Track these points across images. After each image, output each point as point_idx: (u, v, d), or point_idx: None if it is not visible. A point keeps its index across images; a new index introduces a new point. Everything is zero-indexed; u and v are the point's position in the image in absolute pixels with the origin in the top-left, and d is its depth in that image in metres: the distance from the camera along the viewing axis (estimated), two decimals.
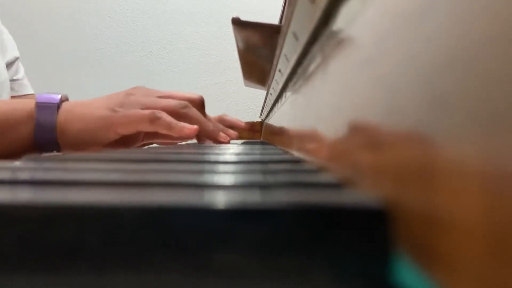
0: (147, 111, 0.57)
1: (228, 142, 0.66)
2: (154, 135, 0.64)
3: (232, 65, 1.57)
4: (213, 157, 0.32)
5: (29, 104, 0.57)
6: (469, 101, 0.08)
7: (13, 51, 0.88)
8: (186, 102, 0.61)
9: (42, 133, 0.56)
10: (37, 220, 0.11)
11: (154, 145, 0.77)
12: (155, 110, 0.57)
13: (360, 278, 0.11)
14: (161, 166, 0.25)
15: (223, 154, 0.36)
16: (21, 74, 0.89)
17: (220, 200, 0.12)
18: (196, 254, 0.11)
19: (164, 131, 0.58)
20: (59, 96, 0.58)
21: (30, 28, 1.65)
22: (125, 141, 0.61)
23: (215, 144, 0.64)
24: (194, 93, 0.65)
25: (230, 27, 0.64)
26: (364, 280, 0.11)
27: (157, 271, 0.11)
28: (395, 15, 0.13)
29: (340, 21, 0.21)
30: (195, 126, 0.58)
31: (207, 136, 0.64)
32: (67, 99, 0.60)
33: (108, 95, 0.61)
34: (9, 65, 0.85)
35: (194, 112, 0.61)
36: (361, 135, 0.15)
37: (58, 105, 0.57)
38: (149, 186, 0.16)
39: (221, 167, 0.24)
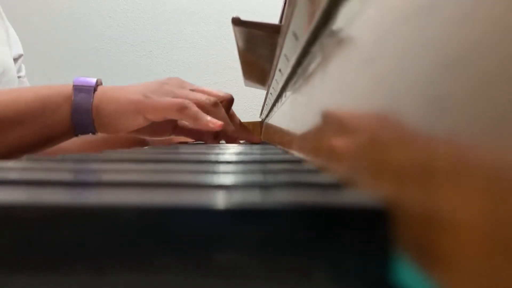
0: (177, 100, 0.58)
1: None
2: (182, 130, 0.65)
3: (232, 65, 1.57)
4: (213, 157, 0.32)
5: (66, 88, 0.58)
6: (469, 101, 0.08)
7: (17, 48, 0.88)
8: (216, 100, 0.62)
9: (79, 115, 0.57)
10: (37, 220, 0.11)
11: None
12: (185, 100, 0.58)
13: (360, 278, 0.11)
14: (161, 166, 0.25)
15: (223, 154, 0.36)
16: (23, 72, 0.90)
17: (220, 200, 0.12)
18: (196, 254, 0.11)
19: (190, 121, 0.60)
20: (95, 79, 0.59)
21: (30, 27, 1.65)
22: (155, 130, 0.62)
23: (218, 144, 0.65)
24: (225, 92, 0.66)
25: (230, 27, 0.64)
26: (364, 280, 0.11)
27: (157, 271, 0.11)
28: (395, 15, 0.13)
29: (340, 21, 0.21)
30: (220, 122, 0.59)
31: (225, 138, 0.66)
32: (101, 83, 0.61)
33: (143, 82, 0.63)
34: (14, 61, 0.85)
35: (221, 111, 0.63)
36: (361, 135, 0.15)
37: (94, 88, 0.58)
38: (149, 186, 0.16)
39: (221, 167, 0.24)
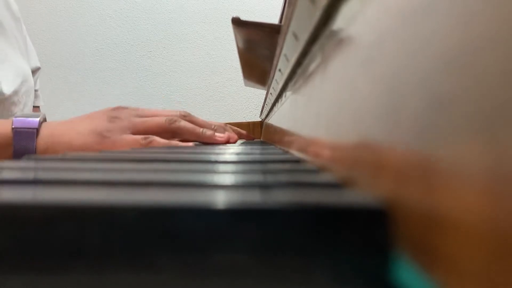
0: (138, 138, 0.55)
1: (226, 142, 0.66)
2: None
3: (232, 65, 1.57)
4: (213, 157, 0.32)
5: (6, 127, 0.53)
6: (469, 101, 0.08)
7: (35, 60, 0.87)
8: (173, 117, 0.60)
9: None
10: (37, 220, 0.11)
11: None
12: (147, 136, 0.55)
13: (360, 278, 0.11)
14: (161, 166, 0.25)
15: (223, 154, 0.36)
16: (38, 85, 0.89)
17: (220, 200, 0.12)
18: (196, 254, 0.11)
19: None
20: (38, 119, 0.54)
21: (30, 27, 1.65)
22: None
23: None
24: (177, 110, 0.64)
25: (230, 27, 0.64)
26: (364, 280, 0.11)
27: (157, 271, 0.11)
28: (395, 15, 0.13)
29: (340, 21, 0.21)
30: (190, 144, 0.57)
31: (206, 141, 0.65)
32: (45, 120, 0.56)
33: (89, 116, 0.58)
34: (32, 73, 0.84)
35: (184, 123, 0.61)
36: (361, 134, 0.15)
37: (37, 130, 0.53)
38: (149, 186, 0.16)
39: (221, 167, 0.24)
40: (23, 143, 0.52)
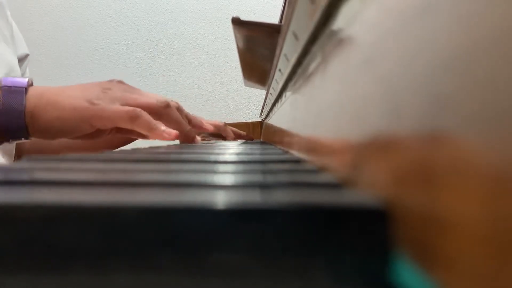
0: (127, 108, 0.55)
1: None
2: (125, 131, 0.61)
3: (232, 65, 1.57)
4: (213, 157, 0.32)
5: None
6: (469, 101, 0.08)
7: (22, 47, 0.86)
8: (167, 101, 0.60)
9: (10, 118, 0.52)
10: (37, 220, 0.11)
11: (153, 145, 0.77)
12: (136, 108, 0.55)
13: (360, 278, 0.11)
14: (161, 166, 0.25)
15: (223, 154, 0.36)
16: (27, 73, 0.88)
17: (220, 200, 0.12)
18: (196, 254, 0.11)
19: (142, 131, 0.56)
20: (26, 79, 0.54)
21: (30, 27, 1.65)
22: (96, 134, 0.58)
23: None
24: (170, 99, 0.63)
25: (230, 27, 0.64)
26: (364, 280, 0.11)
27: (157, 271, 0.11)
28: (395, 15, 0.13)
29: (340, 21, 0.21)
30: (174, 132, 0.57)
31: (184, 138, 0.64)
32: (32, 84, 0.56)
33: (82, 84, 0.58)
34: (19, 61, 0.83)
35: (174, 112, 0.60)
36: (361, 134, 0.15)
37: (26, 89, 0.53)
38: (149, 186, 0.16)
39: (221, 167, 0.24)
40: (11, 100, 0.52)
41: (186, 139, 0.63)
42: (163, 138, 0.56)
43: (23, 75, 0.84)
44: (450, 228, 0.08)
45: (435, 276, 0.09)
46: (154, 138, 0.57)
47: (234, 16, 0.62)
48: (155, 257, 0.11)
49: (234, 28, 0.64)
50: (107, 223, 0.11)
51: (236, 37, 0.68)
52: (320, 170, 0.21)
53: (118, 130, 0.60)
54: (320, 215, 0.11)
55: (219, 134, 0.89)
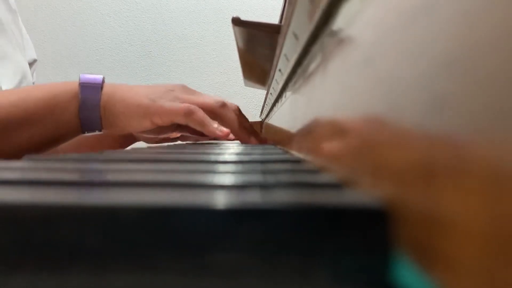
0: (183, 105, 0.59)
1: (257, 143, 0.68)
2: (184, 128, 0.65)
3: (232, 65, 1.57)
4: (213, 157, 0.32)
5: (73, 85, 0.58)
6: (469, 101, 0.08)
7: (31, 52, 0.87)
8: (223, 101, 0.63)
9: (87, 112, 0.57)
10: (37, 220, 0.11)
11: (153, 144, 0.77)
12: (192, 105, 0.59)
13: (360, 278, 0.11)
14: (161, 166, 0.25)
15: (223, 154, 0.36)
16: (35, 78, 0.88)
17: (221, 200, 0.12)
18: (196, 254, 0.11)
19: (196, 127, 0.60)
20: (101, 77, 0.59)
21: (30, 27, 1.65)
22: (160, 130, 0.63)
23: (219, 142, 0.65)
24: (231, 102, 0.67)
25: (230, 27, 0.64)
26: (364, 280, 0.11)
27: (157, 271, 0.11)
28: (395, 15, 0.13)
29: (340, 21, 0.21)
30: (227, 130, 0.60)
31: (237, 138, 0.66)
32: (104, 81, 0.62)
33: (149, 85, 0.64)
34: (29, 65, 0.83)
35: (230, 113, 0.63)
36: (361, 134, 0.15)
37: (101, 85, 0.59)
38: (149, 186, 0.16)
39: (221, 167, 0.24)
40: (89, 96, 0.57)
41: (239, 138, 0.66)
42: (215, 135, 0.60)
43: (32, 78, 0.84)
44: (450, 228, 0.08)
45: (435, 276, 0.09)
46: (208, 134, 0.60)
47: (234, 16, 0.62)
48: (155, 257, 0.11)
49: (234, 28, 0.64)
50: (107, 223, 0.11)
51: (236, 37, 0.68)
52: (320, 170, 0.21)
53: (178, 127, 0.65)
54: (320, 215, 0.11)
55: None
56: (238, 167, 0.24)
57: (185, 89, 0.64)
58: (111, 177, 0.19)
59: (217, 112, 0.62)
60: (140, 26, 1.71)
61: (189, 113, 0.59)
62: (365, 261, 0.11)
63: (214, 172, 0.22)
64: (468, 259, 0.08)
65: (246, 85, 1.05)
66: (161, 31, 1.70)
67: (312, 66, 0.30)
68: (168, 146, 0.64)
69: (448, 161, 0.09)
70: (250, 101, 1.62)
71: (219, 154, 0.36)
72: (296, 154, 0.33)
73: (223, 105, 0.63)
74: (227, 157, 0.32)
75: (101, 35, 1.71)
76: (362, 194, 0.13)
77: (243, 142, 0.66)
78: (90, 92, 0.58)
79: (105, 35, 1.71)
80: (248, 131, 0.66)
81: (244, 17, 0.61)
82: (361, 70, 0.16)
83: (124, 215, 0.11)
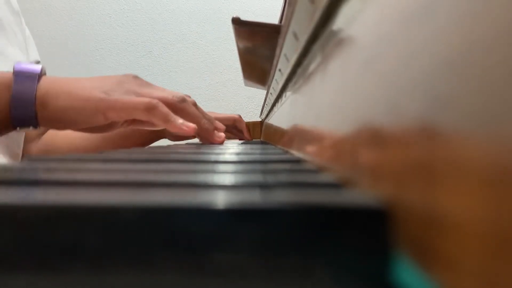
0: (143, 99, 0.53)
1: (222, 143, 0.63)
2: (139, 123, 0.58)
3: (232, 65, 1.57)
4: (213, 157, 0.32)
5: (6, 75, 0.51)
6: (470, 101, 0.08)
7: (34, 53, 0.85)
8: (183, 96, 0.58)
9: (20, 105, 0.50)
10: (37, 220, 0.11)
11: (153, 144, 0.77)
12: (153, 100, 0.53)
13: (360, 278, 0.11)
14: (161, 166, 0.25)
15: (223, 154, 0.36)
16: None
17: (220, 200, 0.12)
18: (196, 254, 0.11)
19: (159, 123, 0.54)
20: (40, 66, 0.52)
21: (30, 28, 1.65)
22: (105, 125, 0.56)
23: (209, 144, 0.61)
24: (186, 95, 0.61)
25: (230, 27, 0.64)
26: (364, 280, 0.11)
27: (157, 271, 0.11)
28: (395, 15, 0.13)
29: (340, 21, 0.21)
30: (193, 125, 0.55)
31: (202, 135, 0.61)
32: (45, 73, 0.54)
33: (97, 77, 0.56)
34: None
35: (191, 107, 0.58)
36: (361, 134, 0.15)
37: (38, 76, 0.51)
38: (149, 186, 0.16)
39: (221, 167, 0.24)
40: (22, 86, 0.50)
41: (205, 133, 0.61)
42: (181, 131, 0.54)
43: None
44: (450, 228, 0.08)
45: (435, 276, 0.09)
46: (172, 130, 0.55)
47: (234, 16, 0.62)
48: (155, 257, 0.11)
49: (234, 28, 0.64)
50: (107, 223, 0.11)
51: (236, 37, 0.69)
52: (320, 170, 0.21)
53: (131, 122, 0.59)
54: (320, 215, 0.11)
55: (233, 132, 0.88)
56: (238, 167, 0.24)
57: (138, 80, 0.57)
58: (111, 177, 0.19)
59: (177, 107, 0.56)
60: (140, 26, 1.71)
61: (151, 108, 0.52)
62: (365, 261, 0.11)
63: (214, 172, 0.22)
64: (468, 259, 0.08)
65: (246, 85, 1.05)
66: (161, 31, 1.70)
67: (312, 66, 0.30)
68: (168, 146, 0.63)
69: (448, 160, 0.09)
70: (250, 101, 1.62)
71: (219, 154, 0.36)
72: (296, 154, 0.33)
73: (183, 99, 0.57)
74: (227, 157, 0.32)
75: (101, 35, 1.71)
76: (362, 194, 0.13)
77: (207, 138, 0.61)
78: (24, 83, 0.50)
79: (105, 35, 1.71)
80: (212, 126, 0.61)
81: (244, 17, 0.61)
82: (361, 70, 0.16)
83: (124, 215, 0.11)
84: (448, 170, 0.09)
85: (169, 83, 1.64)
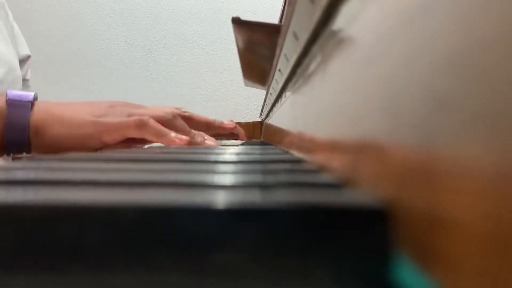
0: (133, 117, 0.55)
1: None
2: (136, 141, 0.60)
3: (232, 65, 1.57)
4: (213, 157, 0.32)
5: (0, 101, 0.52)
6: (469, 101, 0.08)
7: (24, 49, 0.85)
8: (173, 112, 0.60)
9: (13, 132, 0.51)
10: (37, 220, 0.11)
11: (154, 144, 0.77)
12: (143, 116, 0.55)
13: (360, 278, 0.11)
14: (161, 166, 0.25)
15: (223, 154, 0.36)
16: (29, 75, 0.87)
17: (220, 200, 0.12)
18: (196, 254, 0.11)
19: (152, 138, 0.56)
20: (33, 93, 0.53)
21: (30, 28, 1.65)
22: (106, 148, 0.58)
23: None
24: (175, 107, 0.63)
25: (230, 27, 0.64)
26: (364, 280, 0.11)
27: (157, 271, 0.11)
28: (395, 15, 0.13)
29: (340, 21, 0.21)
30: (186, 138, 0.57)
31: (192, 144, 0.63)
32: (37, 98, 0.55)
33: (87, 102, 0.59)
34: (21, 62, 0.82)
35: (181, 123, 0.60)
36: (361, 134, 0.15)
37: (31, 103, 0.53)
38: (149, 186, 0.16)
39: (221, 167, 0.24)
40: (16, 114, 0.51)
41: (195, 146, 0.62)
42: (175, 144, 0.56)
43: (24, 76, 0.83)
44: (450, 228, 0.08)
45: (435, 276, 0.09)
46: (166, 144, 0.56)
47: (234, 16, 0.62)
48: (155, 257, 0.11)
49: (234, 28, 0.64)
50: (107, 223, 0.11)
51: (236, 37, 0.68)
52: (320, 170, 0.21)
53: (125, 141, 0.59)
54: (320, 215, 0.11)
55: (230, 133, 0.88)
56: (238, 167, 0.24)
57: (127, 103, 0.59)
58: (111, 176, 0.19)
59: (167, 123, 0.58)
60: (140, 26, 1.71)
61: (142, 125, 0.54)
62: (365, 261, 0.11)
63: (214, 172, 0.21)
64: (468, 259, 0.08)
65: (246, 85, 1.05)
66: (161, 31, 1.70)
67: (312, 66, 0.30)
68: (168, 146, 0.63)
69: (448, 161, 0.09)
70: (250, 101, 1.62)
71: (219, 154, 0.36)
72: (296, 154, 0.33)
73: (173, 116, 0.59)
74: (227, 157, 0.32)
75: (101, 35, 1.71)
76: (362, 194, 0.13)
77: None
78: (18, 111, 0.51)
79: (105, 35, 1.71)
80: (202, 139, 0.62)
81: (244, 17, 0.61)
82: (361, 70, 0.16)
83: (124, 215, 0.11)
84: (448, 170, 0.09)
85: (169, 83, 1.64)
